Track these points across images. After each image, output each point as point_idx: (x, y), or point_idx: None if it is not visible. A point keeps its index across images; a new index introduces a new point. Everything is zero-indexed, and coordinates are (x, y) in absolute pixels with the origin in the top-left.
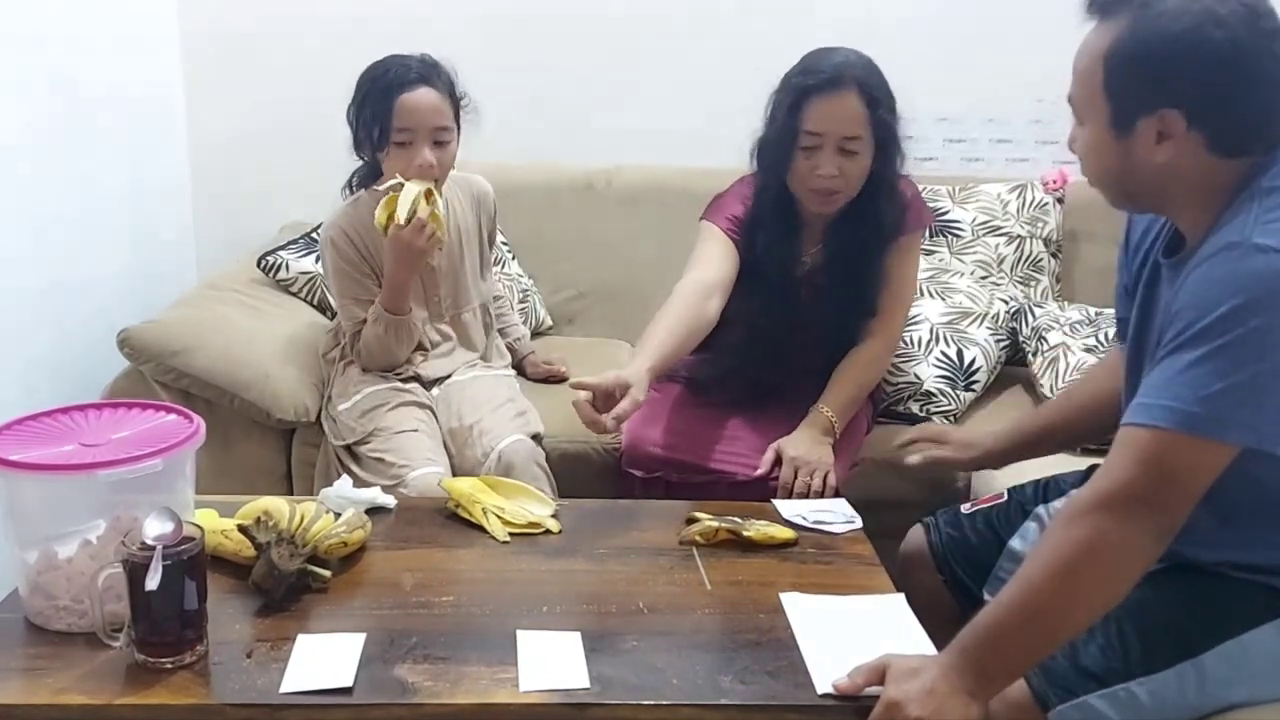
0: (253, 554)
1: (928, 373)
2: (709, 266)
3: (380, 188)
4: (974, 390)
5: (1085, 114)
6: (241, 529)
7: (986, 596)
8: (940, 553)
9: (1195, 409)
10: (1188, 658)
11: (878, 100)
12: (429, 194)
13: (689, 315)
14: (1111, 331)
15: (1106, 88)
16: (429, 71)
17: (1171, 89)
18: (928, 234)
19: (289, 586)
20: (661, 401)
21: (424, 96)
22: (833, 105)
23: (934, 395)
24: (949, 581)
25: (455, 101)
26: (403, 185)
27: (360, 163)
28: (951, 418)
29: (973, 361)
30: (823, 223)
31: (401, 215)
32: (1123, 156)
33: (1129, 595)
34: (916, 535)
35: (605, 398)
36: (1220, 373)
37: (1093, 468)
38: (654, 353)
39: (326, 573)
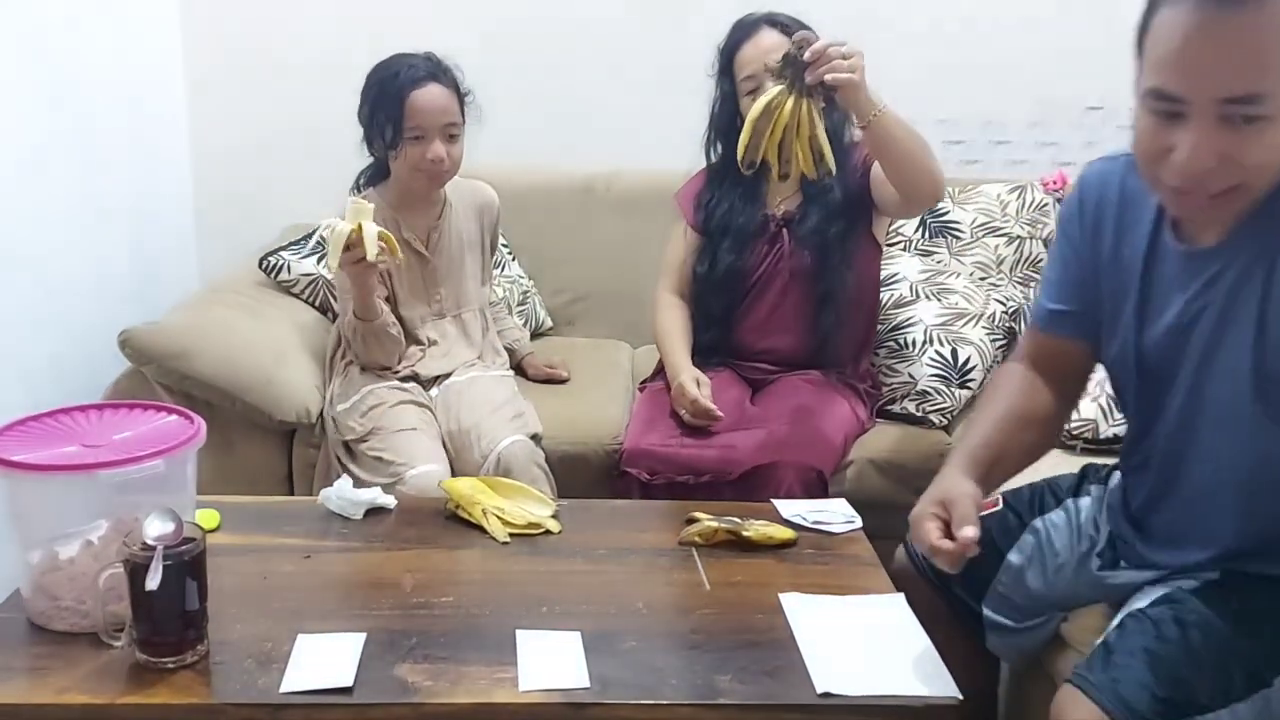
0: None
1: (922, 372)
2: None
3: (324, 231)
4: (969, 388)
5: None
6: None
7: (986, 611)
8: (932, 573)
9: None
10: (1262, 687)
11: (790, 29)
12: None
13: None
14: None
15: None
16: (436, 69)
17: None
18: (927, 234)
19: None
20: (662, 406)
21: (433, 93)
22: (754, 46)
23: (929, 394)
24: (946, 596)
25: (461, 98)
26: (357, 225)
27: (365, 161)
28: (948, 415)
29: (967, 360)
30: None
31: (371, 254)
32: None
33: (1205, 628)
34: (900, 555)
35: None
36: None
37: (1087, 468)
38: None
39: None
